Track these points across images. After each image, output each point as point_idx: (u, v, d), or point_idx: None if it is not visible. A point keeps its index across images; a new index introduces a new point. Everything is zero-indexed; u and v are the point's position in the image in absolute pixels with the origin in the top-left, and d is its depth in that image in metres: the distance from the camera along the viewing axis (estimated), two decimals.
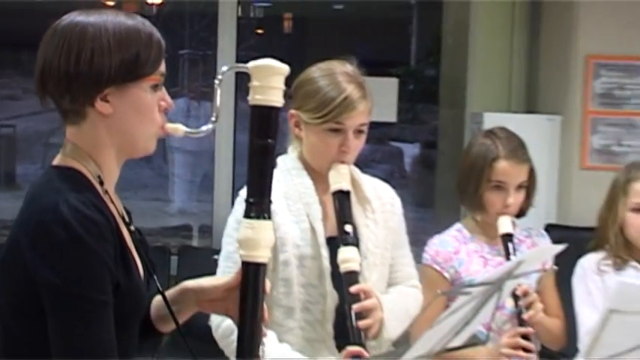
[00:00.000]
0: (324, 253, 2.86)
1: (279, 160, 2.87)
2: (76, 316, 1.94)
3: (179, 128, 2.19)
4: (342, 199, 2.85)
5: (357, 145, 2.92)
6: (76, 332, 1.94)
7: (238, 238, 2.16)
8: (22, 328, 2.02)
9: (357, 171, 3.00)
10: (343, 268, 2.77)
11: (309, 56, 2.94)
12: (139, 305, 2.14)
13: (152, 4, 8.28)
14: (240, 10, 6.65)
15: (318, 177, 2.92)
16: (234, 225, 2.86)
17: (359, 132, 2.91)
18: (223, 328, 2.77)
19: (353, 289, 2.75)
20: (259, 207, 2.14)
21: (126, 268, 2.05)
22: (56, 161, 2.13)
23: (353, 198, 2.90)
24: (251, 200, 2.16)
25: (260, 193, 2.16)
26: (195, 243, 6.90)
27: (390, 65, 7.86)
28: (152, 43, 2.11)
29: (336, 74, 2.88)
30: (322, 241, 2.86)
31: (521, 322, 3.19)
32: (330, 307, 2.85)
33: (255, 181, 2.17)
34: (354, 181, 2.94)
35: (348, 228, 2.81)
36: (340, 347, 2.79)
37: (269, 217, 2.15)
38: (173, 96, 7.44)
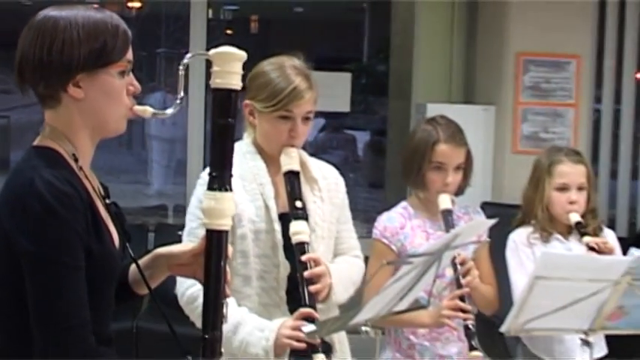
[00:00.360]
0: (277, 227, 2.87)
1: (235, 145, 2.88)
2: (49, 278, 1.95)
3: (147, 110, 2.19)
4: (292, 178, 2.86)
5: (304, 130, 2.93)
6: (49, 292, 1.95)
7: (203, 208, 2.16)
8: (5, 293, 2.02)
9: (304, 154, 3.00)
10: (294, 239, 2.79)
11: (274, 54, 2.94)
12: (113, 269, 2.14)
13: (132, 8, 8.25)
14: (211, 12, 6.65)
15: (271, 160, 2.93)
16: (196, 204, 2.86)
17: (306, 119, 2.93)
18: (187, 295, 2.77)
19: (303, 257, 2.77)
20: (221, 180, 2.14)
21: (98, 236, 2.05)
22: (36, 142, 2.13)
23: (302, 178, 2.91)
24: (214, 174, 2.15)
25: (222, 167, 2.16)
26: (170, 221, 6.87)
27: (344, 61, 7.88)
28: (118, 34, 2.11)
29: (285, 67, 2.89)
30: (275, 216, 2.87)
31: (459, 287, 3.21)
32: (282, 276, 2.87)
33: (217, 157, 2.17)
34: (302, 163, 2.95)
35: (299, 204, 2.83)
36: (292, 311, 2.81)
37: (230, 189, 2.15)
38: (151, 90, 7.46)
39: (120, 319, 5.01)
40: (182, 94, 2.17)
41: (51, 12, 2.09)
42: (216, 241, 2.15)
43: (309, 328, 2.63)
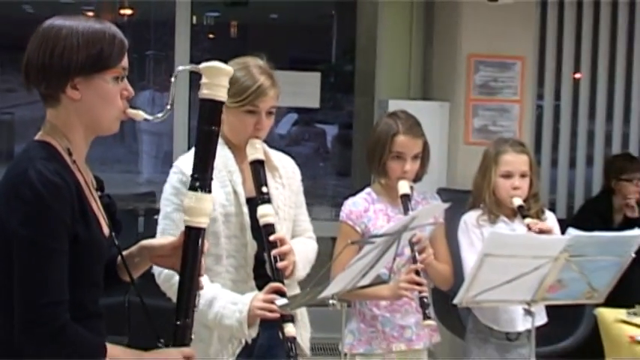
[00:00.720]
0: (245, 210, 2.87)
1: None
2: (32, 258, 1.97)
3: (139, 114, 2.19)
4: (258, 167, 2.87)
5: (268, 123, 2.94)
6: (30, 271, 1.97)
7: (184, 207, 2.17)
8: (3, 271, 2.02)
9: (266, 146, 2.99)
10: (262, 221, 2.80)
11: (252, 55, 2.97)
12: (99, 253, 2.13)
13: (124, 15, 8.20)
14: (195, 18, 6.62)
15: (237, 150, 2.93)
16: (170, 190, 2.87)
17: (269, 113, 2.94)
18: (164, 274, 2.76)
19: (272, 237, 2.78)
20: (202, 182, 2.16)
21: (85, 224, 2.06)
22: (37, 136, 2.14)
23: (265, 166, 2.92)
24: (196, 176, 2.17)
25: (204, 170, 2.18)
26: (158, 206, 6.82)
27: (314, 62, 7.87)
28: (115, 42, 2.11)
29: (250, 67, 2.89)
30: (243, 201, 2.88)
31: (415, 263, 3.22)
32: (250, 254, 2.88)
33: (201, 161, 2.18)
34: (265, 154, 2.95)
35: (264, 189, 2.84)
36: (259, 286, 2.83)
37: (209, 191, 2.17)
38: (141, 88, 7.41)
39: (113, 295, 4.99)
40: (170, 103, 2.17)
41: (56, 21, 2.10)
42: (194, 237, 2.17)
43: (282, 301, 2.64)
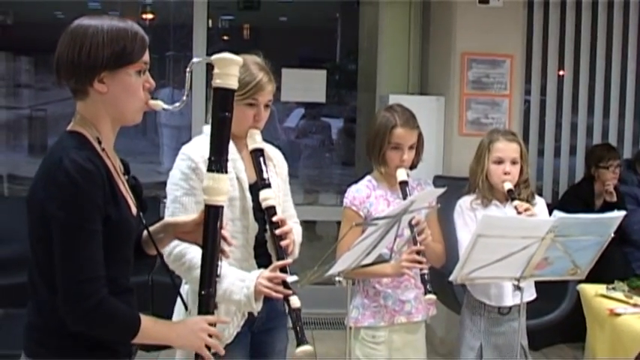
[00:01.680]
0: (248, 195, 2.87)
1: (206, 128, 2.87)
2: (69, 238, 1.99)
3: (159, 104, 2.20)
4: (258, 155, 2.89)
5: (265, 115, 2.95)
6: (68, 250, 1.99)
7: (203, 187, 2.19)
8: (42, 251, 2.06)
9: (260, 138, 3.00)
10: (265, 204, 2.82)
11: (263, 56, 2.96)
12: (129, 232, 2.16)
13: (146, 19, 8.21)
14: (210, 22, 6.63)
15: (238, 140, 2.91)
16: (179, 175, 2.85)
17: (267, 106, 2.94)
18: (175, 253, 2.75)
19: (275, 218, 2.80)
20: (219, 164, 2.17)
21: (116, 205, 2.08)
22: (69, 127, 2.16)
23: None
24: (212, 158, 2.18)
25: (220, 153, 2.18)
26: None
27: (321, 61, 7.85)
28: (137, 39, 2.12)
29: (248, 64, 2.87)
30: (246, 186, 2.88)
31: (416, 243, 3.23)
32: (251, 235, 2.88)
33: (216, 144, 2.19)
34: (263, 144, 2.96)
35: (265, 175, 2.85)
36: (259, 264, 2.85)
37: (226, 171, 2.18)
38: (162, 86, 7.39)
39: (138, 274, 5.01)
40: (187, 93, 2.19)
41: (84, 21, 2.11)
42: (213, 214, 2.19)
43: (292, 278, 2.65)
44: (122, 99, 2.13)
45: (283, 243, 2.77)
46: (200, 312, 2.19)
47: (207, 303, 2.19)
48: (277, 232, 2.78)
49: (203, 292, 2.18)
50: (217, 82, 2.16)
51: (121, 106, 2.14)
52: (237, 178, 2.88)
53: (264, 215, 2.85)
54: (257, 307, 2.76)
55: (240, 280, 2.74)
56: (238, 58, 2.18)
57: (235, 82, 2.17)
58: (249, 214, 2.88)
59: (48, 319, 2.07)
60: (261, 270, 2.78)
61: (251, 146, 2.90)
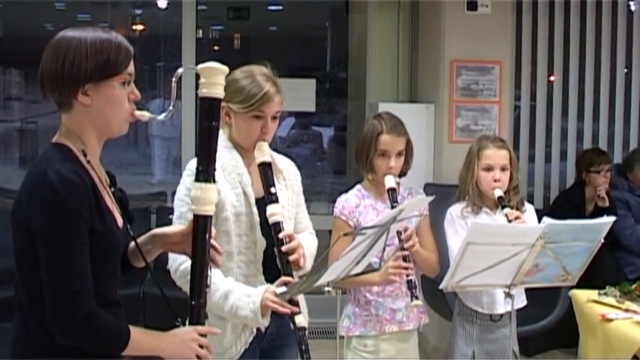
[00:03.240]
0: (255, 210, 2.83)
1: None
2: (56, 251, 1.98)
3: (145, 114, 2.17)
4: (266, 168, 2.82)
5: (273, 127, 2.89)
6: (55, 264, 1.98)
7: (191, 197, 2.17)
8: (27, 265, 2.04)
9: (271, 150, 2.94)
10: (271, 220, 2.76)
11: (253, 65, 2.98)
12: (115, 245, 2.14)
13: (136, 30, 8.20)
14: (201, 32, 6.63)
15: (245, 153, 2.88)
16: (184, 191, 2.82)
17: (274, 118, 2.88)
18: (180, 270, 2.72)
19: (281, 235, 2.74)
20: (207, 173, 2.16)
21: (101, 218, 2.06)
22: (54, 139, 2.14)
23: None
24: (200, 168, 2.17)
25: (207, 162, 2.17)
26: (169, 205, 6.79)
27: (311, 70, 7.86)
28: (120, 50, 2.10)
29: (255, 75, 2.84)
30: (253, 201, 2.83)
31: (402, 249, 3.22)
32: (259, 251, 2.83)
33: (204, 154, 2.18)
34: (271, 157, 2.91)
35: (272, 190, 2.79)
36: (268, 280, 2.79)
37: (214, 181, 2.16)
38: (152, 97, 7.36)
39: (129, 286, 5.00)
40: (173, 103, 2.18)
41: (67, 33, 2.09)
42: (202, 224, 2.17)
43: (281, 289, 2.63)
44: (107, 111, 2.10)
45: (292, 258, 2.72)
46: (191, 322, 2.17)
47: (197, 313, 2.17)
48: (283, 248, 2.72)
49: (193, 303, 2.17)
50: (203, 91, 2.15)
51: (106, 118, 2.11)
52: (244, 193, 2.84)
53: (271, 231, 2.80)
54: (264, 323, 2.73)
55: (246, 296, 2.70)
56: (224, 67, 2.16)
57: (221, 90, 2.16)
58: (257, 230, 2.83)
59: (34, 334, 2.05)
60: (268, 285, 2.74)
61: (258, 160, 2.84)
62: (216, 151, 2.19)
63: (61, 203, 1.97)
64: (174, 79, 2.17)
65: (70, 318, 1.98)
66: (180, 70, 2.21)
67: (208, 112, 2.16)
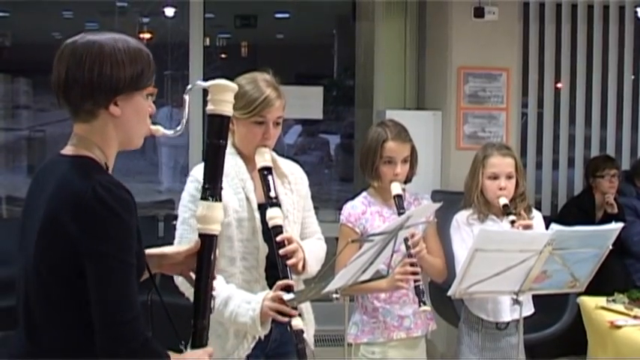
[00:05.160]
0: (257, 215, 2.82)
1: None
2: (112, 275, 1.84)
3: (159, 129, 2.11)
4: (266, 173, 2.82)
5: (275, 133, 2.89)
6: (112, 289, 1.85)
7: (197, 216, 2.14)
8: (62, 288, 1.89)
9: (274, 154, 2.95)
10: (271, 223, 2.75)
11: (259, 71, 2.99)
12: (144, 265, 2.03)
13: (143, 38, 8.24)
14: (208, 40, 6.64)
15: (247, 159, 2.88)
16: (187, 197, 2.82)
17: (276, 123, 2.89)
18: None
19: (279, 238, 2.73)
20: (213, 191, 2.12)
21: (138, 236, 1.94)
22: (69, 151, 1.99)
23: (274, 173, 2.86)
24: (207, 186, 2.13)
25: (214, 180, 2.13)
26: (176, 212, 6.82)
27: (318, 78, 7.86)
28: (151, 61, 2.01)
29: (257, 81, 2.85)
30: (255, 207, 2.83)
31: (410, 256, 3.22)
32: (262, 256, 2.83)
33: (211, 172, 2.15)
34: (273, 161, 2.90)
35: (272, 193, 2.78)
36: (271, 286, 2.78)
37: (220, 200, 2.13)
38: (159, 105, 7.39)
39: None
40: (185, 118, 2.11)
41: (91, 37, 1.97)
42: (207, 243, 2.12)
43: (289, 296, 2.62)
44: (133, 123, 2.01)
45: (290, 262, 2.71)
46: (194, 344, 2.10)
47: (201, 335, 2.10)
48: (281, 251, 2.72)
49: (197, 325, 2.10)
50: (212, 108, 2.11)
51: (131, 130, 2.02)
52: (247, 199, 2.84)
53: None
54: (263, 331, 2.73)
55: (246, 302, 2.70)
56: (233, 85, 2.14)
57: (230, 108, 2.13)
58: (259, 235, 2.83)
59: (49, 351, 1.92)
60: (268, 292, 2.74)
61: (259, 164, 2.84)
62: (222, 168, 2.15)
63: (117, 222, 1.84)
64: (185, 95, 2.14)
65: (128, 345, 1.85)
66: (189, 87, 2.17)
67: (217, 129, 2.12)
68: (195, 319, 2.11)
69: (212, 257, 2.12)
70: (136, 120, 2.02)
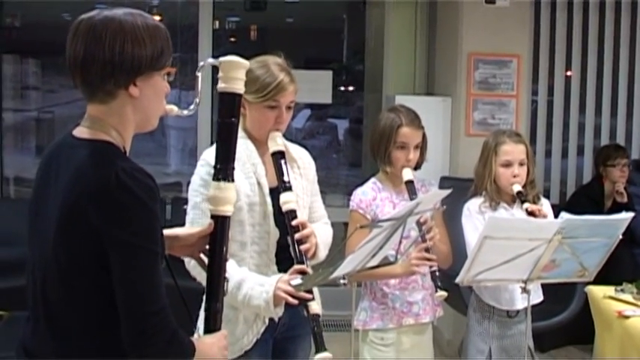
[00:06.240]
0: (269, 200, 2.81)
1: None
2: (140, 265, 1.79)
3: (174, 109, 2.06)
4: (279, 157, 2.81)
5: (287, 117, 2.88)
6: (140, 279, 1.79)
7: (208, 197, 2.11)
8: (85, 279, 1.83)
9: (284, 139, 2.93)
10: (285, 207, 2.74)
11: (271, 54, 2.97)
12: (163, 251, 1.93)
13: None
14: (217, 23, 6.63)
15: (259, 143, 2.87)
16: (198, 182, 2.80)
17: (289, 108, 2.87)
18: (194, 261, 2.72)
19: (294, 222, 2.73)
20: (225, 172, 2.10)
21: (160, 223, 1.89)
22: (85, 134, 1.90)
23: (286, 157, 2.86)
24: (218, 166, 2.10)
25: (226, 160, 2.10)
26: (184, 195, 6.81)
27: (327, 62, 7.81)
28: (169, 39, 1.94)
29: (269, 65, 2.82)
30: (267, 191, 2.82)
31: (424, 241, 3.21)
32: (273, 241, 2.82)
33: (222, 152, 2.12)
34: (284, 146, 2.89)
35: (286, 178, 2.78)
36: (281, 270, 2.77)
37: (232, 180, 2.10)
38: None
39: None
40: (198, 97, 2.08)
41: (108, 12, 1.88)
42: (220, 224, 2.09)
43: (296, 281, 2.61)
44: (151, 104, 1.94)
45: (303, 247, 2.70)
46: (207, 328, 2.07)
47: (214, 319, 2.08)
48: (296, 236, 2.71)
49: (210, 308, 2.07)
50: (223, 86, 2.08)
51: (149, 111, 1.95)
52: (258, 183, 2.82)
53: (285, 220, 2.78)
54: (278, 313, 2.72)
55: (259, 285, 2.69)
56: (245, 62, 2.11)
57: (242, 85, 2.10)
58: (270, 220, 2.82)
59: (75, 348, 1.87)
60: (281, 274, 2.73)
61: (272, 149, 2.83)
62: (235, 147, 2.12)
63: (142, 210, 1.78)
64: (197, 73, 2.11)
65: (158, 337, 1.81)
66: (202, 63, 2.14)
67: (228, 107, 2.09)
68: (208, 302, 2.08)
69: (225, 239, 2.09)
70: (154, 100, 1.95)
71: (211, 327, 2.08)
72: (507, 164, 3.49)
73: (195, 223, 2.74)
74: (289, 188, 2.77)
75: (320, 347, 2.59)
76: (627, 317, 3.64)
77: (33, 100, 8.69)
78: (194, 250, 2.17)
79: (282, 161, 2.81)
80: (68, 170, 1.85)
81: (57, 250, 1.83)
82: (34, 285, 1.93)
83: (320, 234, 2.89)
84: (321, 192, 3.14)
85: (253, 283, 2.70)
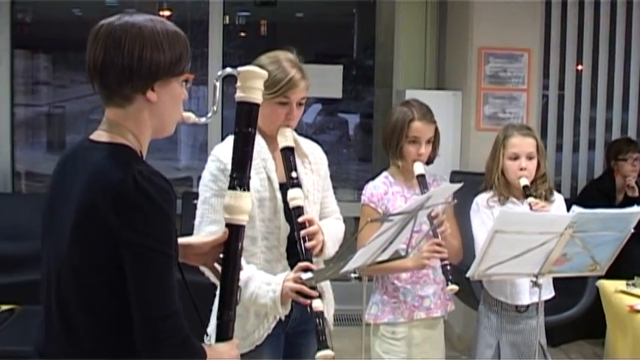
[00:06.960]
0: (279, 195, 2.80)
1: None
2: (153, 268, 1.78)
3: (191, 117, 2.05)
4: (288, 153, 2.80)
5: (298, 113, 2.87)
6: (153, 281, 1.79)
7: (224, 205, 2.10)
8: (99, 281, 1.83)
9: (295, 134, 2.92)
10: (292, 204, 2.74)
11: (282, 50, 2.95)
12: (177, 255, 1.93)
13: (163, 15, 8.23)
14: (227, 18, 6.64)
15: (270, 139, 2.86)
16: (208, 177, 2.79)
17: (300, 104, 2.86)
18: None
19: (300, 219, 2.72)
20: (241, 181, 2.09)
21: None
22: (102, 137, 1.91)
23: (295, 153, 2.85)
24: (234, 175, 2.10)
25: (242, 170, 2.10)
26: (194, 189, 6.84)
27: (337, 57, 7.81)
28: (188, 45, 1.94)
29: (281, 61, 2.82)
30: (277, 186, 2.81)
31: (436, 236, 3.21)
32: (283, 236, 2.82)
33: (239, 161, 2.11)
34: (295, 141, 2.88)
35: (294, 174, 2.77)
36: (291, 265, 2.77)
37: (248, 189, 2.10)
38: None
39: None
40: (215, 105, 2.08)
41: (128, 18, 1.89)
42: (234, 233, 2.08)
43: (307, 275, 2.61)
44: (169, 110, 1.93)
45: (308, 245, 2.70)
46: (219, 336, 2.06)
47: (226, 328, 2.07)
48: (302, 232, 2.70)
49: (223, 316, 2.07)
50: (241, 95, 2.08)
51: (166, 117, 1.94)
52: (268, 178, 2.82)
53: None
54: (284, 311, 2.72)
55: (266, 284, 2.69)
56: (263, 72, 2.11)
57: (260, 95, 2.10)
58: (280, 215, 2.81)
59: (84, 347, 1.87)
60: (287, 272, 2.73)
61: (281, 145, 2.82)
62: (251, 157, 2.11)
63: (159, 213, 1.78)
64: (216, 82, 2.09)
65: (170, 341, 1.81)
66: (219, 73, 2.13)
67: (245, 117, 2.08)
68: (221, 311, 2.07)
69: (239, 247, 2.08)
70: (172, 106, 1.94)
71: (223, 335, 2.07)
72: (514, 157, 3.48)
73: (205, 217, 2.75)
74: (297, 184, 2.77)
75: (322, 345, 2.58)
76: (639, 311, 3.63)
77: (44, 95, 8.72)
78: (208, 258, 2.16)
79: (292, 157, 2.81)
80: (85, 172, 1.85)
81: (72, 251, 1.83)
82: (48, 285, 1.93)
83: (329, 230, 2.89)
84: (332, 187, 3.14)
85: (260, 282, 2.70)
